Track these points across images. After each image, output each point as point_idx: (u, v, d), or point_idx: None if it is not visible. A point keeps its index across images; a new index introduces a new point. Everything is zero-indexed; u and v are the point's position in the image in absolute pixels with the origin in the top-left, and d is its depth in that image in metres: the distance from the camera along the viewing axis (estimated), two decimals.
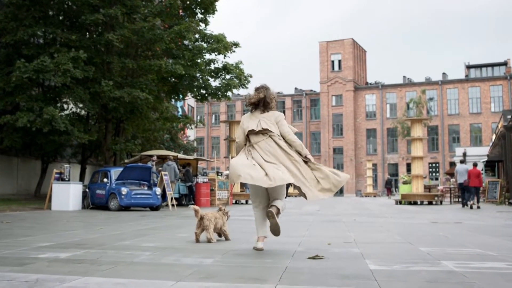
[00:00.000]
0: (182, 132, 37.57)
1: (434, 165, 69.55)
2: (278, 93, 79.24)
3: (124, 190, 16.80)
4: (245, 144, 5.63)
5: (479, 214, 15.52)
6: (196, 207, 6.53)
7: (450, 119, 70.00)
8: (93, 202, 18.44)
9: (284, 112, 50.93)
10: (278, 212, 5.42)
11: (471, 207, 19.53)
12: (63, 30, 20.84)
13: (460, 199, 27.63)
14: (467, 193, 20.30)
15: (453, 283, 3.68)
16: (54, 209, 16.90)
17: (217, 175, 28.60)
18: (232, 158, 5.73)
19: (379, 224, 10.67)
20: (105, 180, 17.83)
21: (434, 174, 67.92)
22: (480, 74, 72.00)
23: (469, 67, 72.98)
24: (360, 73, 78.47)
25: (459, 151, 48.06)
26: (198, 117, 45.73)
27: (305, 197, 5.34)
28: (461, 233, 8.26)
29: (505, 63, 71.11)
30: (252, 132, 5.53)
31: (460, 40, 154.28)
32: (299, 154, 5.50)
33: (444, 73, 73.37)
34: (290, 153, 5.43)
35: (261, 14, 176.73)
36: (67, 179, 18.09)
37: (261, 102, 5.65)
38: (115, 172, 17.96)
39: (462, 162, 21.72)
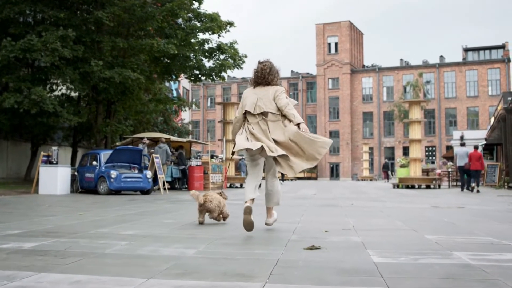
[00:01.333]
0: (176, 114, 36.95)
1: (430, 148, 69.18)
2: None
3: (113, 173, 16.24)
4: (244, 120, 5.67)
5: (480, 198, 15.03)
6: (195, 192, 6.46)
7: (447, 103, 69.52)
8: (82, 186, 17.88)
9: None
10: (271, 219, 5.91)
11: (472, 190, 19.07)
12: (52, 8, 20.08)
13: (458, 183, 27.26)
14: (467, 176, 19.83)
15: (473, 280, 3.13)
16: (41, 193, 16.36)
17: (211, 158, 28.08)
18: (233, 134, 5.77)
19: (378, 208, 10.15)
20: (94, 163, 17.26)
21: (430, 158, 67.59)
22: (478, 57, 71.37)
23: (466, 50, 72.31)
24: (357, 56, 77.73)
25: (456, 134, 47.60)
26: (194, 100, 44.99)
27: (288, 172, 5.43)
28: (466, 219, 7.74)
29: (503, 46, 70.46)
30: (249, 112, 5.57)
31: (458, 23, 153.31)
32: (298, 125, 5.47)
33: (441, 56, 72.80)
34: (279, 135, 5.45)
35: None
36: (55, 162, 17.51)
37: (263, 77, 5.64)
38: (104, 154, 17.38)
39: (462, 145, 21.22)
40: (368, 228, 6.24)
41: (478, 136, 41.82)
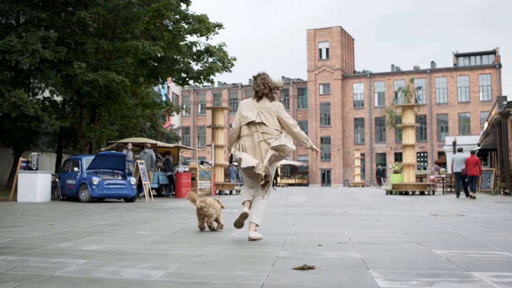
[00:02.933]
0: (165, 120, 36.22)
1: (422, 154, 68.71)
2: None
3: (95, 180, 15.46)
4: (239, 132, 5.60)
5: (478, 205, 14.40)
6: (193, 194, 6.39)
7: (439, 108, 69.17)
8: (64, 193, 17.10)
9: None
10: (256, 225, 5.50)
11: (471, 197, 18.47)
12: (33, 8, 19.33)
13: (453, 189, 26.66)
14: (463, 182, 19.23)
15: None
16: (20, 200, 15.56)
17: (201, 164, 27.35)
18: (229, 144, 5.73)
19: (374, 217, 9.47)
20: (75, 169, 16.47)
21: (422, 164, 67.09)
22: (469, 62, 71.10)
23: (457, 55, 72.04)
24: (348, 61, 77.29)
25: (448, 140, 47.05)
26: (182, 105, 44.20)
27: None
28: (472, 229, 7.07)
29: (493, 52, 70.26)
30: (249, 123, 5.48)
31: (449, 29, 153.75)
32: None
33: (432, 62, 72.48)
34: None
35: (249, 1, 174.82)
36: (34, 168, 16.73)
37: (262, 91, 5.60)
38: (86, 160, 16.60)
39: (460, 150, 20.57)
40: (366, 240, 5.55)
41: (471, 141, 41.31)
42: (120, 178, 16.28)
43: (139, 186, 16.98)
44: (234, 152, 5.51)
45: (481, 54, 71.24)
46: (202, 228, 6.42)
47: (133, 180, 16.14)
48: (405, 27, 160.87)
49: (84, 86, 19.10)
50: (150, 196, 16.90)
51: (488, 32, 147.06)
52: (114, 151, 18.66)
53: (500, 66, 67.39)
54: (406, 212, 11.22)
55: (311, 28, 75.67)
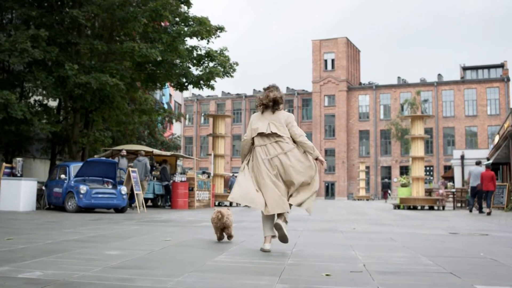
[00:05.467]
0: (164, 127, 35.17)
1: (428, 168, 67.42)
2: None
3: (83, 188, 14.37)
4: (252, 143, 5.65)
5: (495, 223, 13.25)
6: (223, 211, 6.22)
7: (445, 122, 68.01)
8: (51, 202, 16.05)
9: None
10: (285, 221, 5.45)
11: (487, 213, 17.30)
12: (23, 5, 18.34)
13: (463, 204, 25.46)
14: (479, 198, 18.09)
15: None
16: (2, 209, 14.50)
17: (202, 174, 26.28)
18: (242, 156, 5.82)
19: (386, 235, 8.34)
20: (62, 176, 15.40)
21: (428, 177, 65.80)
22: (476, 76, 69.99)
23: (465, 68, 70.94)
24: (353, 73, 76.29)
25: (456, 153, 45.84)
26: (184, 114, 43.14)
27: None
28: (506, 253, 5.94)
29: (502, 65, 69.16)
30: (261, 134, 5.52)
31: (456, 42, 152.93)
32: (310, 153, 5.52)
33: (439, 74, 71.42)
34: (293, 162, 5.43)
35: (255, 12, 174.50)
36: (19, 175, 15.67)
37: (271, 103, 5.62)
38: (74, 167, 15.52)
39: (478, 163, 19.37)
40: (385, 268, 4.42)
41: (479, 155, 40.03)
42: (110, 187, 15.19)
43: (131, 196, 15.89)
44: (252, 199, 5.43)
45: (489, 67, 70.16)
46: (220, 239, 6.46)
47: (124, 189, 15.03)
48: (412, 40, 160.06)
49: (76, 89, 18.04)
50: (142, 206, 15.79)
51: (496, 46, 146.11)
52: (104, 158, 17.55)
53: (508, 79, 66.25)
54: (420, 229, 10.08)
55: (316, 38, 74.79)
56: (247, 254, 5.24)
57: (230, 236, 6.44)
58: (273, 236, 5.47)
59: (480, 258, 5.42)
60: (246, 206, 22.92)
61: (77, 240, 6.43)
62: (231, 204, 22.67)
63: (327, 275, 3.96)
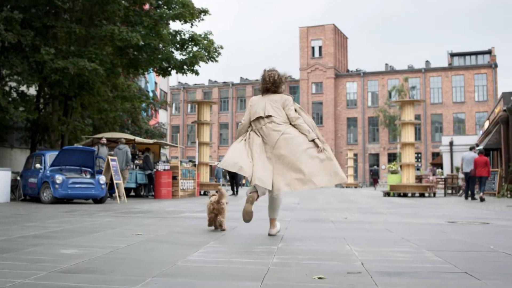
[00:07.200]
0: (148, 115, 34.31)
1: (416, 155, 67.13)
2: (256, 80, 76.07)
3: (59, 178, 13.61)
4: (249, 126, 5.66)
5: (491, 210, 12.69)
6: (223, 190, 6.11)
7: (433, 108, 67.67)
8: (26, 192, 15.26)
9: None
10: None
11: (481, 200, 16.76)
12: None
13: (454, 191, 24.99)
14: (471, 184, 17.54)
15: None
16: None
17: (188, 162, 25.54)
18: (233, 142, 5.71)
19: (381, 225, 7.69)
20: (37, 166, 14.60)
21: (417, 164, 65.58)
22: (464, 62, 69.63)
23: (452, 55, 70.54)
24: (341, 60, 75.64)
25: (445, 140, 45.44)
26: (168, 101, 42.24)
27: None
28: None
29: (489, 52, 68.84)
30: (259, 118, 5.54)
31: (444, 30, 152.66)
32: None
33: (427, 61, 71.00)
34: (289, 140, 5.38)
35: (242, 2, 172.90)
36: None
37: (270, 84, 5.68)
38: (50, 156, 14.73)
39: (471, 149, 18.79)
40: (388, 267, 3.75)
41: (468, 141, 39.64)
42: (88, 176, 14.43)
43: (111, 186, 15.14)
44: (240, 167, 5.26)
45: (476, 53, 69.81)
46: (210, 226, 6.35)
47: (102, 179, 14.28)
48: (400, 27, 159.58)
49: (53, 75, 17.19)
50: (120, 196, 15.02)
51: (484, 33, 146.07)
52: (81, 146, 16.74)
53: (496, 66, 65.96)
54: (416, 218, 9.45)
55: (303, 25, 73.97)
56: (225, 252, 4.55)
57: (221, 226, 6.24)
58: (257, 196, 5.41)
59: (491, 252, 4.78)
60: (232, 195, 22.43)
61: (35, 236, 5.70)
62: (205, 193, 22.02)
63: (319, 278, 3.28)
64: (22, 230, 6.32)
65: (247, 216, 5.37)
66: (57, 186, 13.53)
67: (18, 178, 15.62)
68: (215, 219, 6.19)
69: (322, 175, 5.30)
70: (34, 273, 3.34)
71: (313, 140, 5.40)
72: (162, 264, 3.74)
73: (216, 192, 6.13)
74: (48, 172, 14.09)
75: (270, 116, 5.48)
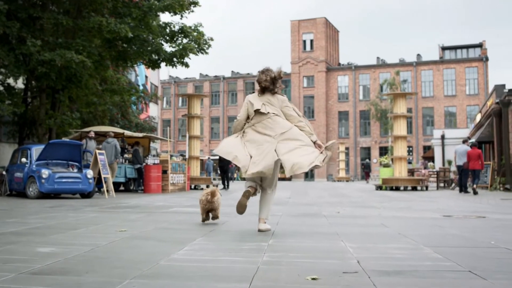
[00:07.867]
0: (138, 109, 33.92)
1: (408, 148, 67.13)
2: (248, 74, 75.64)
3: (45, 172, 13.27)
4: (244, 124, 5.64)
5: (486, 203, 12.53)
6: (215, 189, 6.24)
7: (425, 102, 67.60)
8: (12, 187, 14.91)
9: (252, 93, 48.03)
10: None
11: (474, 192, 16.59)
12: None
13: (446, 184, 24.88)
14: (464, 177, 17.38)
15: None
16: None
17: (178, 156, 25.25)
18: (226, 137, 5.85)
19: (375, 219, 7.47)
20: (23, 160, 14.25)
21: (409, 157, 65.57)
22: (455, 55, 69.58)
23: (444, 48, 70.48)
24: (332, 53, 75.36)
25: (436, 133, 45.37)
26: (159, 95, 41.83)
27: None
28: None
29: (480, 45, 68.81)
30: (256, 112, 5.53)
31: (435, 23, 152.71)
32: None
33: (418, 55, 70.85)
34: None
35: None
36: None
37: (268, 83, 5.67)
38: (36, 150, 14.37)
39: (464, 142, 18.60)
40: (386, 266, 3.50)
41: (460, 135, 39.57)
42: (75, 170, 14.10)
43: (99, 180, 14.82)
44: (235, 156, 5.32)
45: (467, 47, 69.77)
46: (205, 221, 6.43)
47: (90, 173, 13.95)
48: (391, 21, 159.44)
49: (39, 67, 16.82)
50: (108, 191, 14.71)
51: (475, 28, 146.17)
52: (68, 140, 16.39)
53: (487, 59, 65.97)
54: (409, 212, 9.24)
55: (295, 19, 73.63)
56: (212, 249, 4.29)
57: (215, 217, 6.39)
58: (254, 191, 5.48)
59: (492, 247, 4.55)
60: (224, 189, 22.17)
61: (13, 233, 5.41)
62: (195, 187, 21.78)
63: (313, 278, 3.03)
64: (1, 226, 6.03)
65: (241, 209, 5.44)
66: (43, 180, 13.20)
67: (4, 172, 15.27)
68: (207, 215, 6.41)
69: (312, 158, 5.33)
70: (2, 275, 3.07)
71: (315, 142, 5.49)
72: (143, 263, 3.48)
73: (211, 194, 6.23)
74: (34, 166, 13.75)
75: (268, 113, 5.55)
